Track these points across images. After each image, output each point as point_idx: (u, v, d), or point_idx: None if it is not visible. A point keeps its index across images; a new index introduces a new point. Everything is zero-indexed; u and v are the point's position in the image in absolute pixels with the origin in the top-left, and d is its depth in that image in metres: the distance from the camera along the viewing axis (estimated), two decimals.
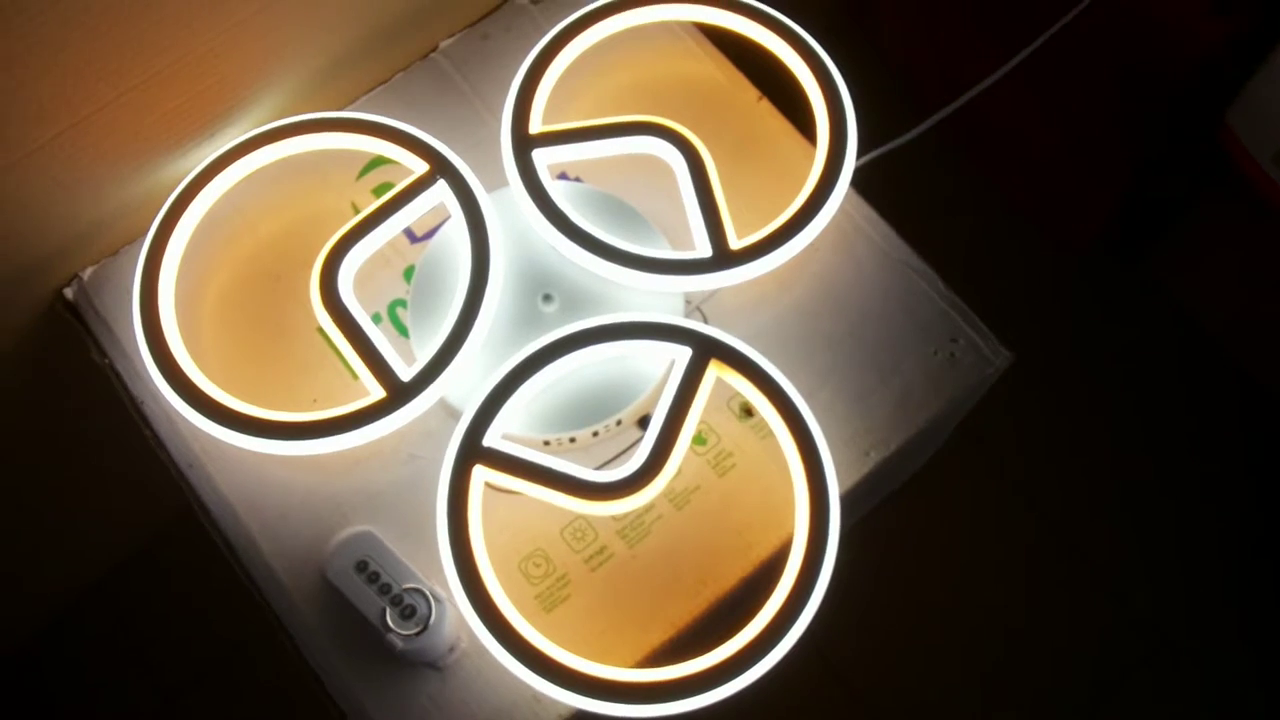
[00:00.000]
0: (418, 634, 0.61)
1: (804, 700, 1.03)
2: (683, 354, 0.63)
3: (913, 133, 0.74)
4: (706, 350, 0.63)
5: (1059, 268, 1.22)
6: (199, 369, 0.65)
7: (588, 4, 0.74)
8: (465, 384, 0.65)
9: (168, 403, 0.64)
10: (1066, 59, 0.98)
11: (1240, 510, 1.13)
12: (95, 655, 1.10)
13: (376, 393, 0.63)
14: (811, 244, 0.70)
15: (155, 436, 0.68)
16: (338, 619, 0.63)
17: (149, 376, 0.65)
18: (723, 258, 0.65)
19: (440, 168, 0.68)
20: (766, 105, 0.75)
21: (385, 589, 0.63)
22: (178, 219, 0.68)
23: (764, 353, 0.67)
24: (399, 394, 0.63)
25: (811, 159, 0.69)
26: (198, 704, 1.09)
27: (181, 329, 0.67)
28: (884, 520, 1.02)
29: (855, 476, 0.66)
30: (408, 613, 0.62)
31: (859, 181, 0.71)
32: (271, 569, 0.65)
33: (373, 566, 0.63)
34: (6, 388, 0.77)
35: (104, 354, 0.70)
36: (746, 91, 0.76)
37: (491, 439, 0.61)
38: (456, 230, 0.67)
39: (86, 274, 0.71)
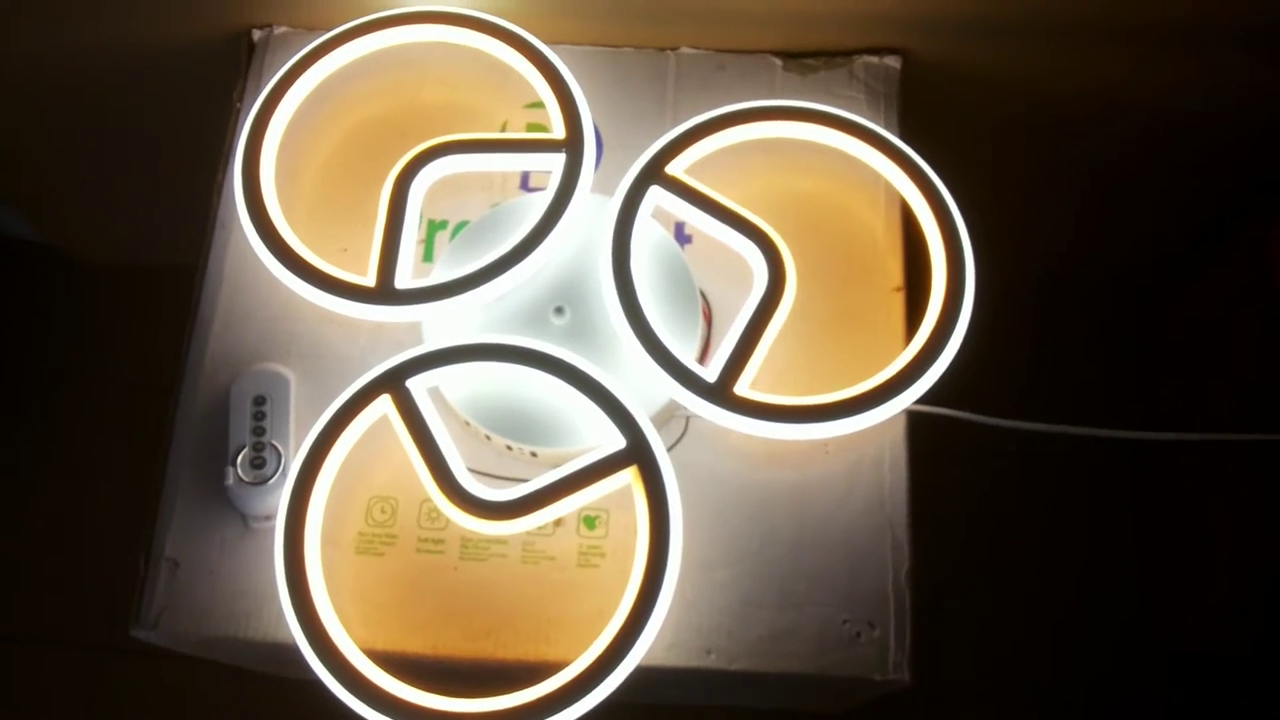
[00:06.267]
0: (248, 484, 0.64)
1: None
2: (616, 441, 0.60)
3: (1003, 422, 0.66)
4: (635, 454, 0.60)
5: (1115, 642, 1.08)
6: (277, 161, 0.70)
7: (826, 104, 0.71)
8: (443, 332, 0.65)
9: (238, 161, 0.69)
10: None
11: None
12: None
13: (370, 279, 0.65)
14: (824, 444, 0.66)
15: (220, 183, 0.73)
16: (209, 425, 0.66)
17: (241, 138, 0.69)
18: (718, 391, 0.61)
19: (572, 143, 0.68)
20: (899, 300, 0.70)
21: (258, 431, 0.65)
22: (357, 37, 0.71)
23: (701, 501, 0.64)
24: (383, 293, 0.64)
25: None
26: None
27: (294, 122, 0.71)
28: None
29: (680, 663, 0.61)
30: (258, 463, 0.64)
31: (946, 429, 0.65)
32: (205, 348, 0.69)
33: (265, 407, 0.66)
34: (165, 80, 0.85)
35: (240, 99, 0.75)
36: (892, 275, 0.70)
37: (415, 384, 0.62)
38: (540, 202, 0.67)
39: (278, 30, 0.77)
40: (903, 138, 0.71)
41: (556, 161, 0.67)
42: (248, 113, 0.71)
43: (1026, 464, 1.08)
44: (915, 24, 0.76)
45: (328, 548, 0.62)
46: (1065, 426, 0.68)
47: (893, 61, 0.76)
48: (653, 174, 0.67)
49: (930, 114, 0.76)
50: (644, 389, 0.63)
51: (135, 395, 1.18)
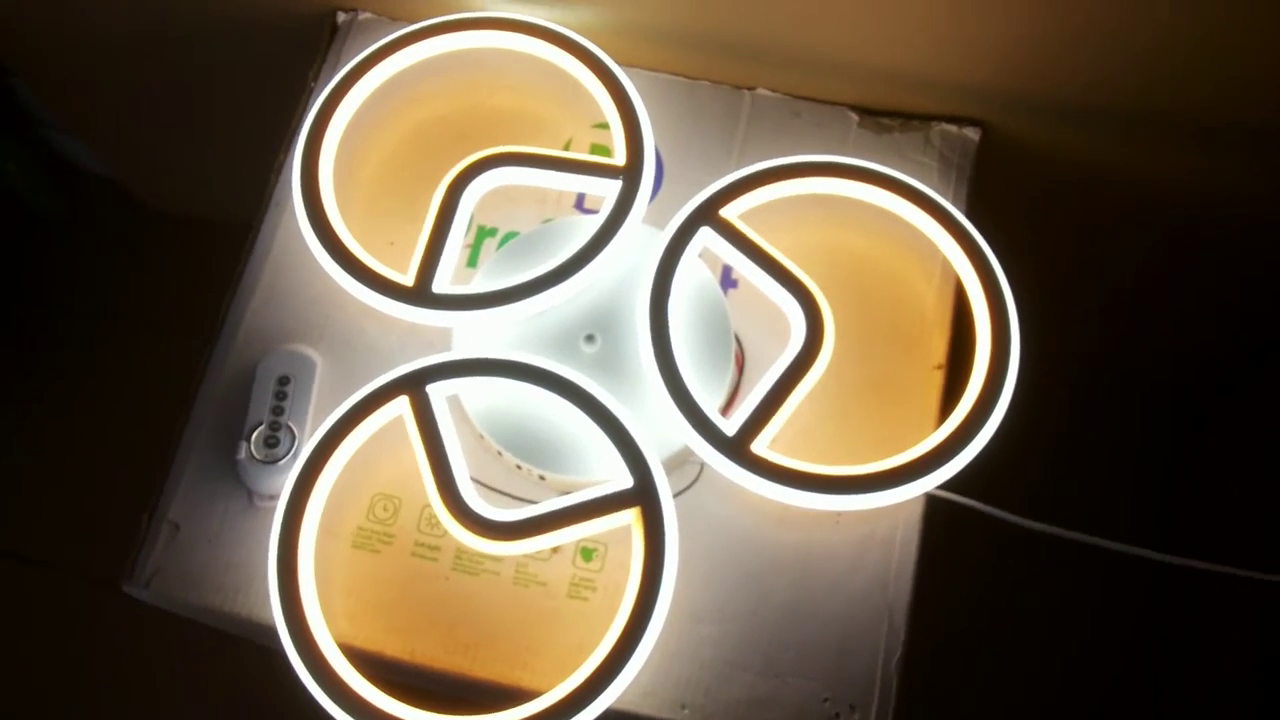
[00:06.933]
0: (259, 461, 0.64)
1: None
2: (624, 479, 0.59)
3: (1024, 521, 0.64)
4: (640, 496, 0.59)
5: None
6: (339, 147, 0.70)
7: (897, 166, 0.69)
8: (473, 341, 0.65)
9: (300, 143, 0.69)
10: None
11: None
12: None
13: (409, 279, 0.65)
14: (838, 517, 0.64)
15: (280, 164, 0.73)
16: (232, 397, 0.67)
17: (307, 122, 0.70)
18: (734, 446, 0.60)
19: (631, 171, 0.67)
20: (938, 378, 0.68)
21: (277, 411, 0.66)
22: (435, 35, 0.71)
23: (702, 551, 0.63)
24: (420, 294, 0.64)
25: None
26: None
27: (362, 110, 0.71)
28: None
29: (652, 712, 0.60)
30: (272, 442, 0.65)
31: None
32: (241, 321, 0.69)
33: (288, 388, 0.66)
34: (248, 48, 0.86)
35: (315, 78, 0.76)
36: (935, 352, 0.69)
37: (435, 390, 0.61)
38: (589, 226, 0.66)
39: (362, 15, 0.77)
40: (970, 212, 0.69)
41: (612, 188, 0.67)
42: (318, 95, 0.71)
43: (1039, 561, 1.05)
44: (1000, 98, 0.74)
45: (325, 537, 0.62)
46: (1089, 536, 0.66)
47: (971, 133, 0.74)
48: (706, 215, 0.66)
49: (1002, 191, 0.74)
50: (662, 431, 0.62)
51: (170, 339, 1.20)
